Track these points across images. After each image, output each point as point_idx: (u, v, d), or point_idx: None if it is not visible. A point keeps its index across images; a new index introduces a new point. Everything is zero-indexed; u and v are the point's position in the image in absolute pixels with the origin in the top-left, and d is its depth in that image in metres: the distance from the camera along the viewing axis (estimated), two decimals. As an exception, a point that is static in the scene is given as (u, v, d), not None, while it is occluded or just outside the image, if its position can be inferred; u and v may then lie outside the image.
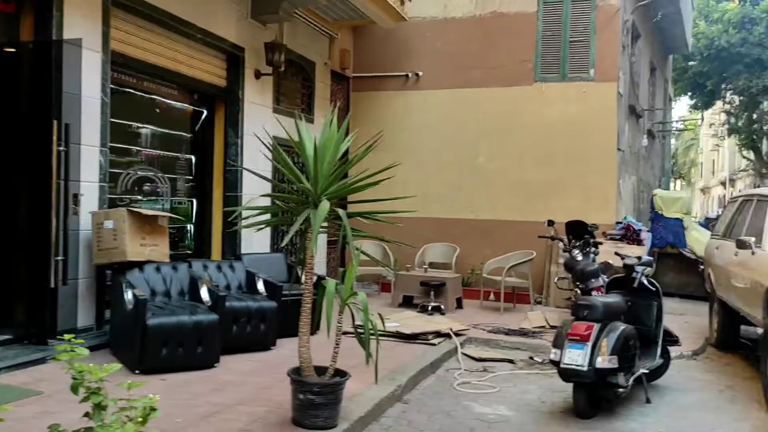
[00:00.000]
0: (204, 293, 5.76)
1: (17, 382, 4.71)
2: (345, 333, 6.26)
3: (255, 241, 8.25)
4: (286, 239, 3.92)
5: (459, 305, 8.96)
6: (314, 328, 6.72)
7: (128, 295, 5.33)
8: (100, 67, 5.84)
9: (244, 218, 4.50)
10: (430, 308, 8.23)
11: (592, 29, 9.88)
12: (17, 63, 5.49)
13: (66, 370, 2.41)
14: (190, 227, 7.91)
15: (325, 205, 3.85)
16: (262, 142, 5.36)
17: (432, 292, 8.45)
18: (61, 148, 5.25)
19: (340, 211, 3.93)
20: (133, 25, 6.43)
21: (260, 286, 6.50)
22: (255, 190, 8.26)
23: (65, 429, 2.42)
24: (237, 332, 5.86)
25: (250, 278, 6.66)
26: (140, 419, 2.24)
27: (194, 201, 7.94)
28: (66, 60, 5.34)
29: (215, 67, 7.80)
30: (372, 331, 3.94)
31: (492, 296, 9.46)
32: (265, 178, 5.18)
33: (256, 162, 8.15)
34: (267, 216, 4.97)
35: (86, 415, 2.45)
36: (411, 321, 7.32)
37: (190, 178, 7.88)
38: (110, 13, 5.93)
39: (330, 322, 3.88)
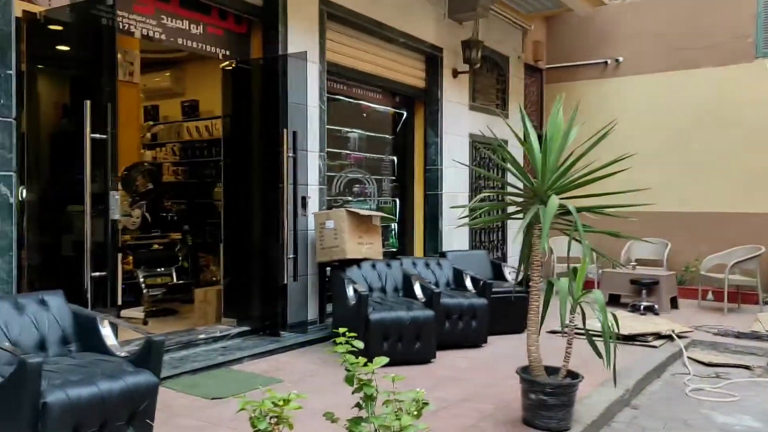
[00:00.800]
0: (418, 290, 5.89)
1: (259, 370, 5.16)
2: (554, 332, 6.15)
3: (455, 238, 8.33)
4: (515, 237, 3.86)
5: (674, 305, 8.32)
6: (524, 326, 6.66)
7: (350, 291, 5.61)
8: (318, 77, 6.24)
9: (471, 216, 4.48)
10: (642, 308, 7.74)
11: (828, -8, 8.66)
12: (248, 78, 6.02)
13: (341, 362, 2.56)
14: (394, 226, 8.18)
15: (554, 201, 3.74)
16: (489, 142, 5.29)
17: (644, 291, 7.93)
18: (290, 155, 5.68)
19: (571, 207, 3.79)
20: (343, 34, 6.79)
21: (468, 283, 6.52)
22: (455, 188, 8.37)
23: (338, 417, 2.58)
24: (449, 329, 5.93)
25: (457, 275, 6.71)
26: (415, 412, 2.31)
27: (397, 200, 8.20)
28: (291, 72, 5.76)
29: (415, 69, 7.99)
30: (606, 333, 3.75)
31: (710, 295, 8.66)
32: (492, 177, 5.11)
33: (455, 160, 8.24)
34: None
35: (357, 405, 2.58)
36: (624, 321, 6.91)
37: (393, 178, 8.15)
38: (325, 25, 6.31)
39: (563, 321, 3.76)
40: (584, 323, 4.00)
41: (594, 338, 3.94)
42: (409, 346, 5.40)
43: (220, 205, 7.71)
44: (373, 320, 5.30)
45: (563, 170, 3.87)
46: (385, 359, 2.53)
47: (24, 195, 4.40)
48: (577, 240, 3.84)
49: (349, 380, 2.51)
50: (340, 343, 2.54)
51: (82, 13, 4.48)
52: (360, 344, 2.54)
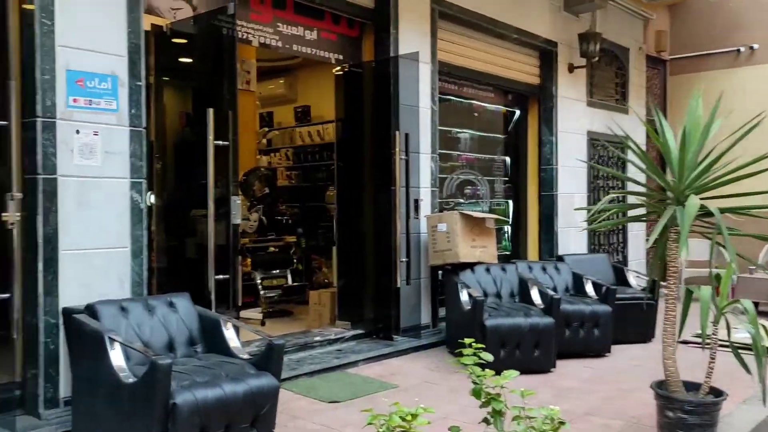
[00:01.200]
0: (535, 295, 5.66)
1: (374, 374, 5.12)
2: (685, 342, 5.69)
3: (572, 241, 7.97)
4: (650, 240, 3.56)
5: (823, 315, 7.52)
6: (650, 336, 6.26)
7: (464, 296, 5.47)
8: (430, 78, 6.14)
9: (596, 218, 4.20)
10: (786, 317, 7.04)
11: None
12: (360, 82, 6.02)
13: (461, 371, 2.43)
14: (506, 228, 7.94)
15: (694, 202, 3.42)
16: (609, 139, 4.99)
17: (788, 299, 7.22)
18: (403, 157, 5.61)
19: (714, 208, 3.45)
20: (455, 33, 6.65)
21: (589, 288, 6.18)
22: (571, 188, 8.01)
23: None
24: (570, 336, 5.64)
25: (577, 280, 6.39)
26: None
27: (510, 202, 7.96)
28: (402, 74, 5.70)
29: (528, 65, 7.72)
30: (758, 346, 3.38)
31: None
32: (621, 176, 4.75)
33: (571, 159, 7.89)
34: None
35: (484, 420, 2.45)
36: (766, 332, 6.29)
37: (506, 179, 7.92)
38: (437, 24, 6.21)
39: (704, 332, 3.43)
40: (729, 335, 3.64)
41: (739, 351, 3.57)
42: (527, 354, 5.18)
43: (331, 209, 7.82)
44: (489, 326, 5.13)
45: (704, 168, 3.53)
46: (515, 372, 2.38)
47: (152, 200, 4.60)
48: (720, 244, 3.49)
49: (476, 393, 2.38)
50: (467, 354, 2.41)
51: (204, 24, 4.63)
52: (489, 356, 2.40)
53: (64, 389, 3.69)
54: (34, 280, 3.63)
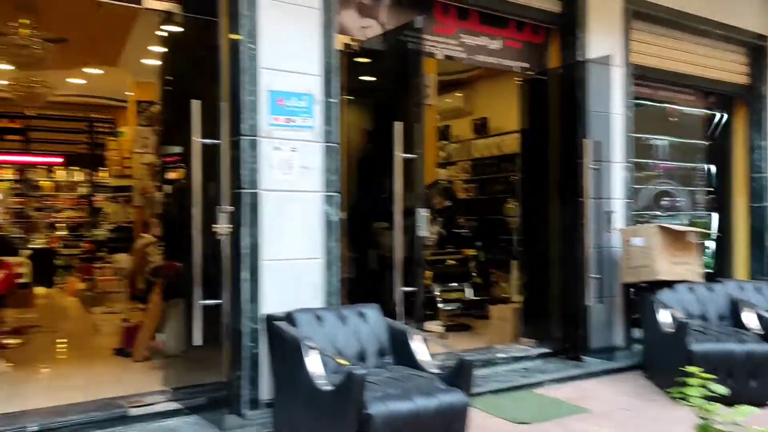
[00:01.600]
0: (751, 319, 5.01)
1: (563, 396, 4.83)
2: None
3: (792, 259, 7.03)
4: None
5: None
6: None
7: (665, 317, 5.00)
8: (622, 82, 5.76)
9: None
10: None
11: None
12: (545, 90, 5.79)
13: (694, 406, 2.16)
14: (708, 243, 7.19)
15: None
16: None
17: None
18: (593, 167, 5.29)
19: None
20: (650, 33, 6.20)
21: (821, 314, 5.36)
22: (789, 198, 7.09)
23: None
24: (794, 368, 4.92)
25: (804, 304, 5.58)
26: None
27: (713, 214, 7.21)
28: (591, 79, 5.39)
29: (734, 64, 6.99)
30: None
31: None
32: None
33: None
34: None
35: (713, 460, 2.15)
36: None
37: (709, 189, 7.19)
38: (630, 24, 5.81)
39: None
40: None
41: None
42: (741, 384, 4.58)
43: (510, 221, 7.61)
44: (697, 352, 4.61)
45: None
46: (753, 408, 2.06)
47: (340, 214, 4.75)
48: None
49: (704, 430, 2.09)
50: (692, 385, 2.13)
51: (393, 40, 4.71)
52: (723, 389, 2.11)
53: (265, 391, 3.89)
54: (239, 287, 3.88)
